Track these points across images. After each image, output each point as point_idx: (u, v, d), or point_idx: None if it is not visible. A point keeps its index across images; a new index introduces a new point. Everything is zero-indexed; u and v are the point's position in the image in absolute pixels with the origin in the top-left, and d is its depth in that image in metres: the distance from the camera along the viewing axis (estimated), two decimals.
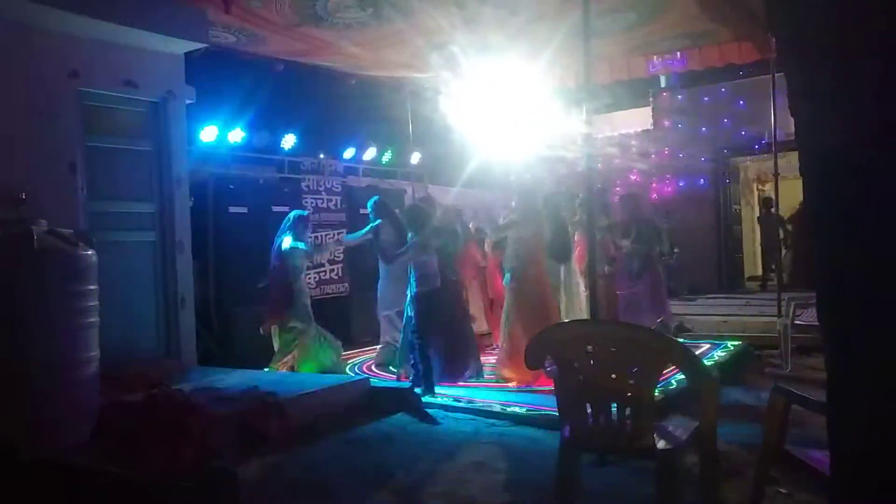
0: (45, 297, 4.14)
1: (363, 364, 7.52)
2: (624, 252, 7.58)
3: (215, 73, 7.48)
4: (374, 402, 5.71)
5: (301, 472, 4.37)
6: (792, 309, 7.47)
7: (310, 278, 8.16)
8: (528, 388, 6.05)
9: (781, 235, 12.10)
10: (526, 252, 6.54)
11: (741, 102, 12.08)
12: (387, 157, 10.43)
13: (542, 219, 6.74)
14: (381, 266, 7.33)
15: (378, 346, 7.63)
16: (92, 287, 4.36)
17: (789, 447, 2.98)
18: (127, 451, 4.04)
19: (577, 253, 7.56)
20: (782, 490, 3.51)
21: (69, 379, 4.18)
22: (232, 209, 7.83)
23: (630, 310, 7.40)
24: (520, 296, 6.49)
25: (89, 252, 4.38)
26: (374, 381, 6.33)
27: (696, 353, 6.28)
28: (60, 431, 4.07)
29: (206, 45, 6.44)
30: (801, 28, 1.67)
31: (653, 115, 12.97)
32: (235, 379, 5.78)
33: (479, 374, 6.67)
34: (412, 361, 6.27)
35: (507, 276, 6.64)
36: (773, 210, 11.31)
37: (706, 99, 12.61)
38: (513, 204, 7.35)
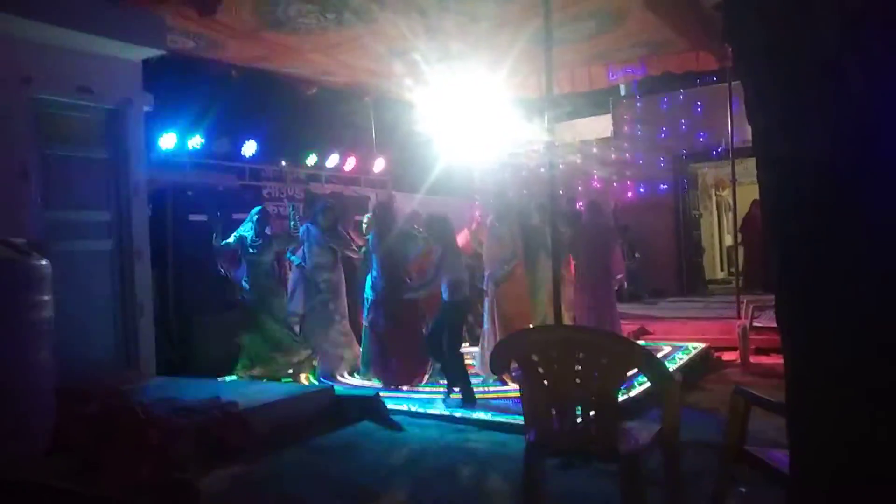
0: None
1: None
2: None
3: (174, 80, 7.38)
4: (339, 410, 5.66)
5: (265, 483, 4.31)
6: (750, 311, 7.63)
7: None
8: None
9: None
10: (503, 255, 6.60)
11: (699, 110, 12.32)
12: (350, 163, 10.39)
13: (515, 223, 6.79)
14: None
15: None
16: (46, 297, 4.25)
17: (750, 447, 3.03)
18: (85, 466, 3.94)
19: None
20: (743, 489, 3.56)
21: (24, 391, 4.06)
22: (191, 217, 7.71)
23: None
24: (498, 299, 6.54)
25: (43, 262, 4.27)
26: (339, 389, 6.28)
27: (658, 356, 6.36)
28: (14, 445, 3.95)
29: (163, 51, 6.34)
30: (752, 39, 1.71)
31: (613, 123, 13.16)
32: (196, 389, 5.68)
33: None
34: (448, 375, 6.09)
35: (486, 280, 6.67)
36: None
37: (665, 107, 12.83)
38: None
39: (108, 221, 6.24)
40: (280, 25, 6.80)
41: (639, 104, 13.12)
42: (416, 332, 6.67)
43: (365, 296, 6.88)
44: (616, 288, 7.94)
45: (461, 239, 7.04)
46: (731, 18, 1.83)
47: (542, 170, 7.00)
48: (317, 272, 7.15)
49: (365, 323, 6.88)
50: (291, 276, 7.45)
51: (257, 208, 7.14)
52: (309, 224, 7.25)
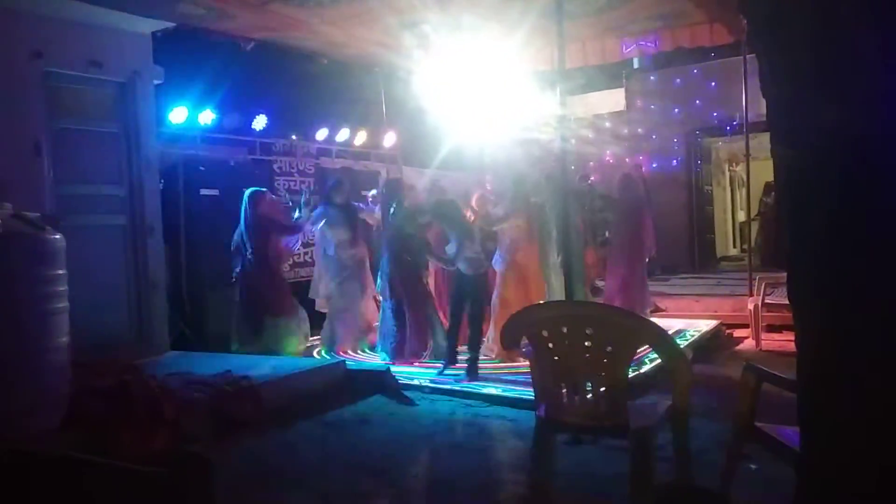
0: (12, 283, 4.05)
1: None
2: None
3: (184, 53, 7.34)
4: (351, 384, 5.69)
5: (277, 456, 4.36)
6: (763, 288, 7.59)
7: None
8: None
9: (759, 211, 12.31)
10: (518, 238, 6.59)
11: (713, 84, 12.16)
12: (360, 138, 10.35)
13: (531, 205, 6.75)
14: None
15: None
16: (60, 272, 4.28)
17: (760, 424, 3.02)
18: (99, 438, 3.99)
19: None
20: (753, 466, 3.57)
21: (38, 365, 4.11)
22: (203, 191, 7.72)
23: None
24: (510, 281, 6.55)
25: (56, 236, 4.29)
26: (351, 364, 6.32)
27: (669, 332, 6.34)
28: (30, 419, 4.00)
29: (173, 23, 6.30)
30: (767, 10, 1.67)
31: (626, 97, 13.02)
32: (208, 363, 5.73)
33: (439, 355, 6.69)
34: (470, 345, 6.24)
35: (499, 261, 6.66)
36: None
37: (678, 81, 12.67)
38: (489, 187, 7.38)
39: (121, 196, 6.25)
40: None
41: (652, 78, 12.96)
42: (422, 311, 6.67)
43: (380, 273, 6.89)
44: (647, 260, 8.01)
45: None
46: None
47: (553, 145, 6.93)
48: (341, 250, 7.17)
49: (382, 300, 6.88)
50: (316, 261, 7.47)
51: (248, 191, 6.83)
52: (325, 204, 7.24)
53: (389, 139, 10.57)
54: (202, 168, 7.83)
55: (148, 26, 6.22)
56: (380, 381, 5.74)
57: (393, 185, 7.28)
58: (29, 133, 5.48)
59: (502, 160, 7.59)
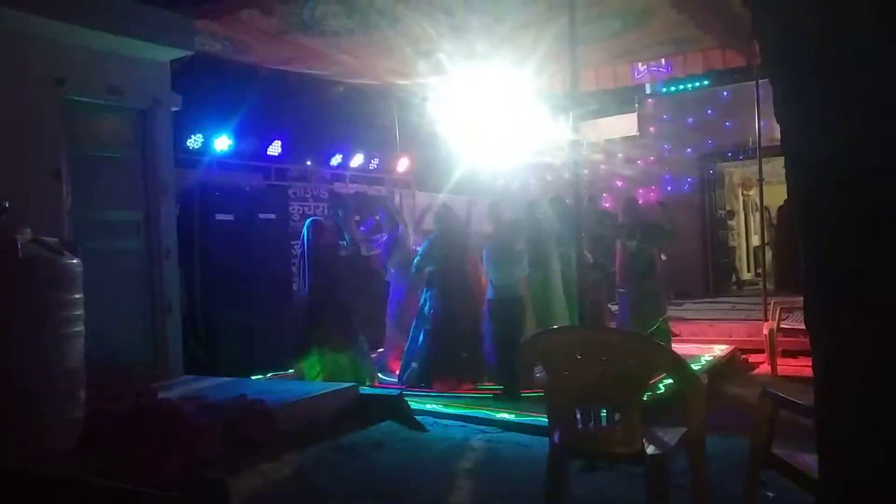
0: (30, 307, 4.09)
1: None
2: (628, 253, 7.64)
3: (202, 81, 7.46)
4: (363, 409, 5.68)
5: (291, 480, 4.35)
6: (778, 313, 7.54)
7: None
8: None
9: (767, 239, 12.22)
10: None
11: (726, 109, 12.17)
12: (374, 163, 10.43)
13: (511, 230, 6.73)
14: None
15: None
16: (78, 296, 4.32)
17: (777, 451, 2.99)
18: (114, 461, 4.00)
19: None
20: (771, 494, 3.53)
21: (54, 388, 4.13)
22: (218, 216, 7.80)
23: (635, 309, 7.44)
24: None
25: (74, 261, 4.34)
26: (363, 389, 6.30)
27: (684, 358, 6.29)
28: (45, 440, 4.03)
29: (191, 52, 6.42)
30: (788, 33, 1.69)
31: (638, 121, 13.05)
32: (223, 387, 5.74)
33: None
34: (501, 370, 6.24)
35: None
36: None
37: (691, 106, 12.69)
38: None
39: (138, 221, 6.32)
40: (306, 28, 6.85)
41: (665, 102, 13.00)
42: (474, 338, 6.63)
43: (423, 302, 6.87)
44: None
45: None
46: (759, 14, 1.81)
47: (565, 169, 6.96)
48: (393, 270, 7.56)
49: (429, 326, 6.77)
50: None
51: (309, 221, 7.01)
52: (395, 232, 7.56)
53: (403, 164, 10.65)
54: (218, 193, 7.92)
55: (167, 55, 6.33)
56: (392, 407, 5.72)
57: (447, 208, 7.26)
58: (49, 159, 5.56)
59: (501, 185, 7.68)
